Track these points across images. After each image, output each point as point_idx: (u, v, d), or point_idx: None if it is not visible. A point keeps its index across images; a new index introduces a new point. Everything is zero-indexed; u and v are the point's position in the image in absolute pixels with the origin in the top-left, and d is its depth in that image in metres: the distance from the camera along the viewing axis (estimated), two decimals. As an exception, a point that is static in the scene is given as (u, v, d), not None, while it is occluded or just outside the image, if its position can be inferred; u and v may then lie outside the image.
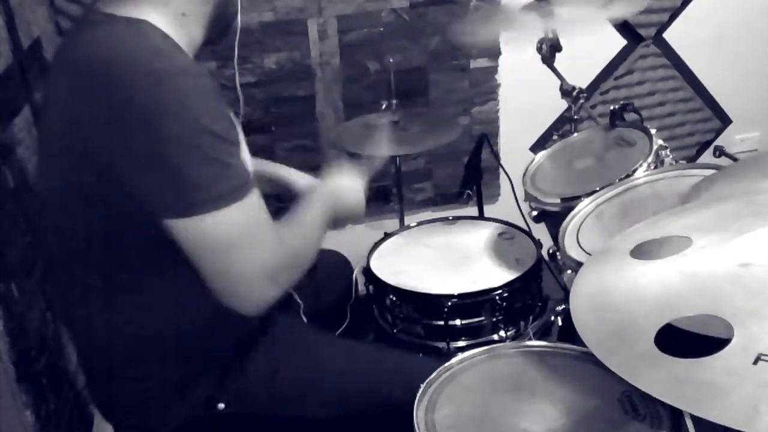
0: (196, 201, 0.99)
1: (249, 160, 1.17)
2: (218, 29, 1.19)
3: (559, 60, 1.83)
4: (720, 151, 1.92)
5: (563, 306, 1.60)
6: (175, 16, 1.10)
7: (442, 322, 1.53)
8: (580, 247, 1.41)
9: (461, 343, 1.55)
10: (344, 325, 1.69)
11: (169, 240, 1.09)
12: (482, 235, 1.77)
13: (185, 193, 0.99)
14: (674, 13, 2.56)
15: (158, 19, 1.07)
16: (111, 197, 1.04)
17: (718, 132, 2.80)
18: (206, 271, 1.05)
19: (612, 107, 1.73)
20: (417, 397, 1.08)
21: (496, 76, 2.47)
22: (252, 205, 1.05)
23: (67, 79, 1.05)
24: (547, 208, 1.62)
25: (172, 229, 1.02)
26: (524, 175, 1.74)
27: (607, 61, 2.57)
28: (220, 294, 1.07)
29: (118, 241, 1.11)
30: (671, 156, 1.58)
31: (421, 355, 1.49)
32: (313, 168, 2.40)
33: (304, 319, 1.51)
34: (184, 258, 1.11)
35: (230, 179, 1.02)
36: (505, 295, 1.53)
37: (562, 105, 1.89)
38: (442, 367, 1.15)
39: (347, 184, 1.37)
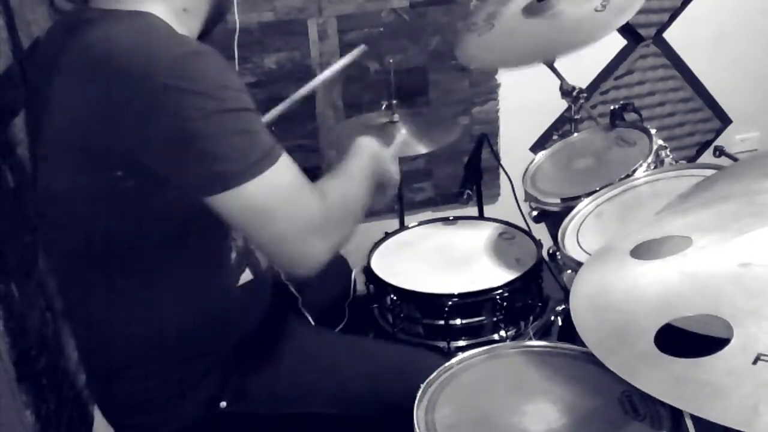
0: (233, 173, 1.01)
1: None
2: (213, 21, 1.21)
3: (559, 60, 1.83)
4: (720, 151, 1.92)
5: (563, 306, 1.60)
6: (177, 12, 1.11)
7: (442, 322, 1.54)
8: (580, 247, 1.41)
9: (461, 343, 1.55)
10: (342, 324, 1.69)
11: (172, 239, 1.09)
12: (482, 235, 1.77)
13: (221, 168, 1.01)
14: (674, 13, 2.56)
15: (161, 12, 1.09)
16: (132, 192, 1.05)
17: (718, 132, 2.80)
18: (257, 238, 1.08)
19: (612, 107, 1.73)
20: (417, 397, 1.08)
21: (496, 76, 2.47)
22: (285, 166, 1.07)
23: (78, 78, 1.04)
24: (547, 208, 1.62)
25: (214, 206, 1.03)
26: (524, 175, 1.74)
27: (607, 61, 2.57)
28: (276, 258, 1.10)
29: (122, 239, 1.11)
30: (671, 156, 1.58)
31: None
32: (314, 168, 2.43)
33: (305, 312, 1.51)
34: (187, 256, 1.12)
35: (261, 146, 1.04)
36: (506, 294, 1.53)
37: (562, 105, 1.89)
38: (442, 367, 1.15)
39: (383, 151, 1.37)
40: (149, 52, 1.01)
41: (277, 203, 1.05)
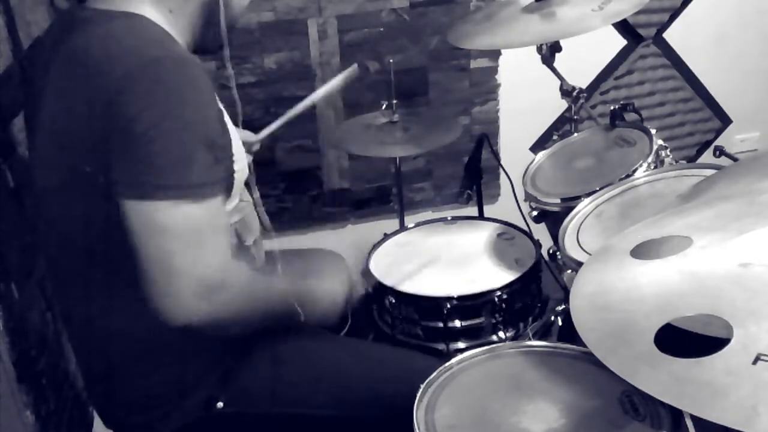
0: (156, 185, 0.99)
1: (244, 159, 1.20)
2: (209, 38, 1.20)
3: (559, 60, 1.83)
4: (720, 151, 1.91)
5: (563, 306, 1.60)
6: (164, 14, 1.12)
7: (441, 324, 1.53)
8: (580, 247, 1.41)
9: (461, 345, 1.54)
10: (346, 329, 1.69)
11: None
12: (482, 235, 1.77)
13: (148, 176, 1.00)
14: (674, 13, 2.56)
15: (152, 14, 1.10)
16: (105, 189, 1.04)
17: (718, 132, 2.80)
18: (146, 261, 1.02)
19: (612, 107, 1.73)
20: (417, 397, 1.08)
21: (496, 76, 2.47)
22: (211, 211, 1.03)
23: (65, 77, 1.06)
24: (547, 208, 1.62)
25: (125, 211, 1.01)
26: (524, 175, 1.74)
27: (607, 61, 2.57)
28: (152, 291, 1.03)
29: (119, 238, 1.10)
30: (671, 156, 1.58)
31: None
32: (313, 168, 2.43)
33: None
34: None
35: (198, 177, 1.01)
36: (505, 296, 1.52)
37: (562, 105, 1.89)
38: (442, 368, 1.15)
39: (329, 288, 1.31)
40: (134, 51, 1.02)
41: (182, 238, 1.01)
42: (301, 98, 2.33)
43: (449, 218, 1.89)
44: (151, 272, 1.03)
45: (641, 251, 1.01)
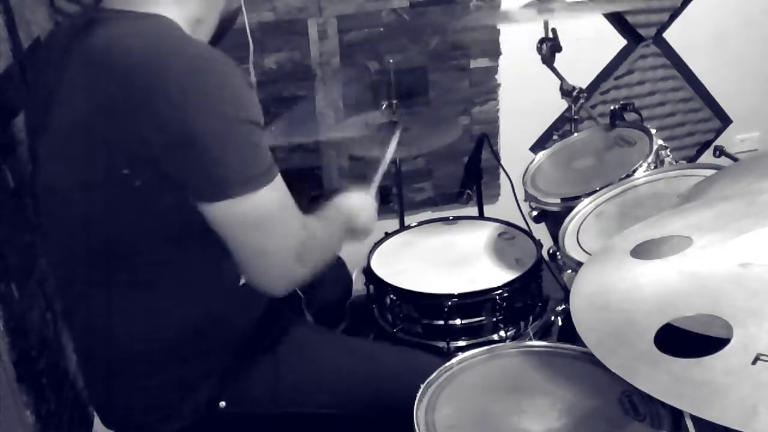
0: (234, 183, 1.02)
1: None
2: (220, 34, 1.22)
3: (559, 60, 1.83)
4: (720, 151, 1.91)
5: (563, 306, 1.60)
6: (190, 21, 1.12)
7: (442, 322, 1.53)
8: (580, 247, 1.41)
9: (461, 343, 1.55)
10: (343, 325, 1.69)
11: (175, 239, 1.09)
12: (482, 235, 1.77)
13: (223, 176, 1.02)
14: (674, 13, 2.56)
15: (175, 17, 1.10)
16: (137, 191, 1.04)
17: (718, 132, 2.80)
18: (241, 251, 1.08)
19: (612, 107, 1.73)
20: (417, 397, 1.08)
21: (496, 76, 2.47)
22: (280, 186, 1.09)
23: (92, 76, 1.04)
24: (547, 208, 1.62)
25: (208, 213, 1.04)
26: (524, 175, 1.74)
27: (607, 61, 2.57)
28: (254, 273, 1.11)
29: (124, 239, 1.11)
30: (671, 156, 1.58)
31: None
32: (313, 168, 2.43)
33: (307, 313, 1.51)
34: (189, 256, 1.12)
35: (262, 161, 1.06)
36: (505, 295, 1.53)
37: (562, 105, 1.89)
38: (442, 367, 1.15)
39: (359, 202, 1.39)
40: (167, 54, 1.02)
41: (268, 220, 1.07)
42: (301, 98, 2.34)
43: (450, 218, 1.89)
44: (248, 260, 1.09)
45: (641, 251, 1.01)
